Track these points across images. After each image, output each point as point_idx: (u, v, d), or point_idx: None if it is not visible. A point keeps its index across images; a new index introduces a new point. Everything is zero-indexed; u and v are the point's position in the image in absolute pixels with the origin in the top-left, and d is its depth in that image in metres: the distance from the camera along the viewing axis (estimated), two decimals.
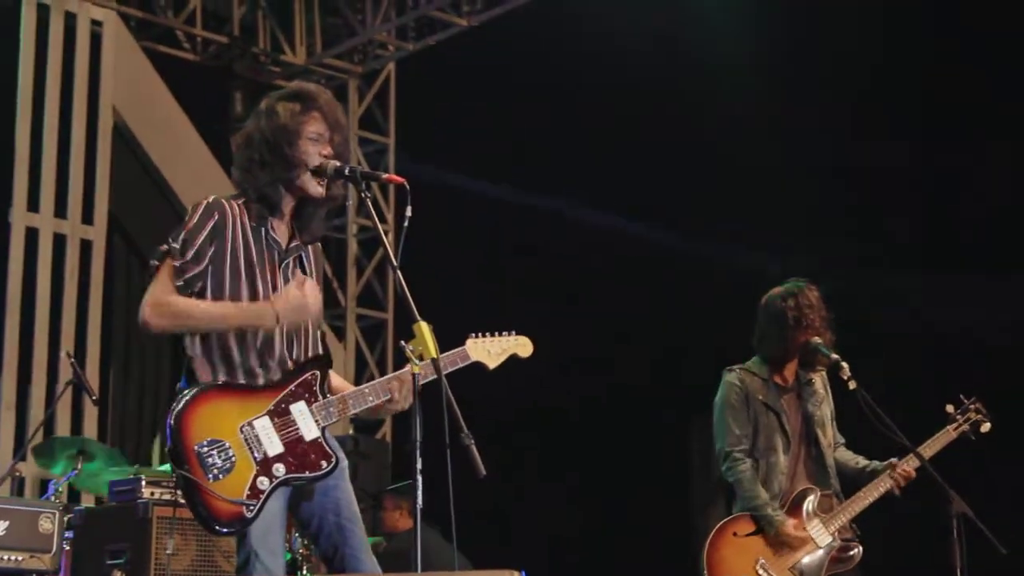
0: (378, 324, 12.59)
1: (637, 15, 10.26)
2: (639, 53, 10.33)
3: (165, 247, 4.16)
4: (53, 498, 7.07)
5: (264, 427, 4.08)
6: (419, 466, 3.80)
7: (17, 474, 8.07)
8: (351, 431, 10.52)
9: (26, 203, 10.10)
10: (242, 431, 4.06)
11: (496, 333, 4.48)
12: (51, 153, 10.24)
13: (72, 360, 7.77)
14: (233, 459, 4.02)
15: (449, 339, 4.28)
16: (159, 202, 11.02)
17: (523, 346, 4.53)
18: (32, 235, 10.09)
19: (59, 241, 10.20)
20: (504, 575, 3.69)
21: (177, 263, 4.13)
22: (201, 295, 4.15)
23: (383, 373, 12.32)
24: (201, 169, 10.94)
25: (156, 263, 4.17)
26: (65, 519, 6.49)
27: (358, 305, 12.52)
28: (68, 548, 6.59)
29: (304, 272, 4.32)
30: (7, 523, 6.13)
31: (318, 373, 4.21)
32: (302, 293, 4.19)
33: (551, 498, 11.26)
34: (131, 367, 11.05)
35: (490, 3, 11.26)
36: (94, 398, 7.86)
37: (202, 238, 4.14)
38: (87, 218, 10.37)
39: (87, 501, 8.70)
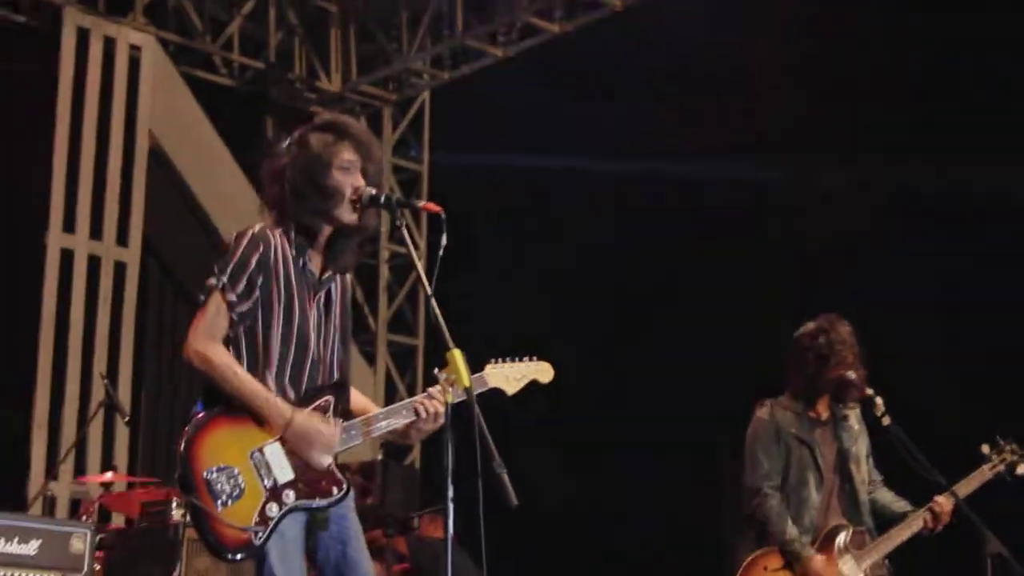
0: (409, 350, 12.60)
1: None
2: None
3: (213, 281, 4.08)
4: (84, 518, 7.10)
5: (274, 453, 4.04)
6: (451, 494, 3.77)
7: (48, 493, 8.12)
8: (380, 456, 10.51)
9: (61, 224, 10.19)
10: (252, 457, 4.02)
11: (517, 358, 4.41)
12: (87, 175, 10.34)
13: (106, 381, 7.82)
14: (242, 485, 3.98)
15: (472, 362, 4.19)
16: (193, 225, 11.09)
17: (543, 372, 4.44)
18: (67, 256, 10.18)
19: (93, 263, 10.28)
20: None
21: (229, 298, 4.07)
22: (252, 327, 4.11)
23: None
24: (236, 193, 10.98)
25: (203, 298, 4.10)
26: (97, 539, 6.51)
27: (389, 331, 12.55)
28: (99, 568, 6.61)
29: (331, 301, 4.26)
30: (39, 542, 6.12)
31: (331, 399, 4.15)
32: (324, 433, 4.08)
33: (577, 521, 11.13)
34: (163, 389, 11.10)
35: (525, 34, 11.30)
36: (126, 419, 7.90)
37: (250, 270, 4.09)
38: (122, 240, 10.44)
39: (118, 521, 8.74)
